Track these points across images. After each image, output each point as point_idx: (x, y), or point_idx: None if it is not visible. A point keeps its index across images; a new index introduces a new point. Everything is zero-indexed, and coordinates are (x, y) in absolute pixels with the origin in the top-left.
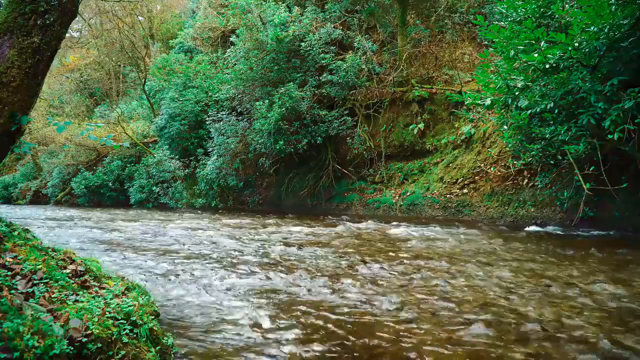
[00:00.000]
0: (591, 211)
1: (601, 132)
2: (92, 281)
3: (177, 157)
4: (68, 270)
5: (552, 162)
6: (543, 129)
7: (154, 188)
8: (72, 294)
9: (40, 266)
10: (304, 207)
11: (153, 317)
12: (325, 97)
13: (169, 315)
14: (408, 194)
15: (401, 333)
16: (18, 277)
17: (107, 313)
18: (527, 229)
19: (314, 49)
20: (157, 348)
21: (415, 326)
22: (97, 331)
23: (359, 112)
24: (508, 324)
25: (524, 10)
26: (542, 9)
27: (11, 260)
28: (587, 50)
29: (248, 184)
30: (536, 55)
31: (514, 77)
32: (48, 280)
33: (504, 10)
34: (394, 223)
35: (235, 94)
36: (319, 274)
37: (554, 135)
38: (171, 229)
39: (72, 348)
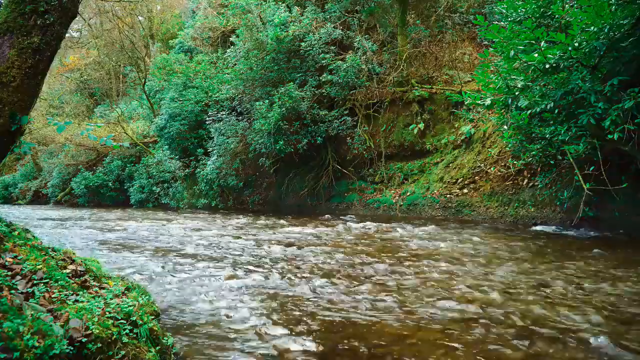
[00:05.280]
0: (591, 211)
1: (601, 132)
2: (92, 281)
3: (177, 157)
4: (68, 270)
5: (552, 162)
6: (543, 129)
7: (154, 188)
8: (72, 294)
9: (40, 266)
10: (304, 207)
11: (153, 317)
12: (325, 97)
13: (169, 315)
14: (408, 194)
15: (401, 332)
16: (18, 277)
17: (107, 313)
18: (527, 229)
19: (314, 49)
20: (157, 348)
21: (415, 325)
22: (97, 331)
23: (359, 112)
24: (508, 323)
25: (524, 10)
26: (542, 9)
27: (11, 260)
28: (587, 50)
29: (248, 184)
30: (536, 55)
31: (514, 77)
32: (48, 280)
33: (504, 10)
34: (394, 223)
35: (235, 94)
36: (318, 273)
37: (554, 135)
38: (171, 229)
39: (72, 348)
